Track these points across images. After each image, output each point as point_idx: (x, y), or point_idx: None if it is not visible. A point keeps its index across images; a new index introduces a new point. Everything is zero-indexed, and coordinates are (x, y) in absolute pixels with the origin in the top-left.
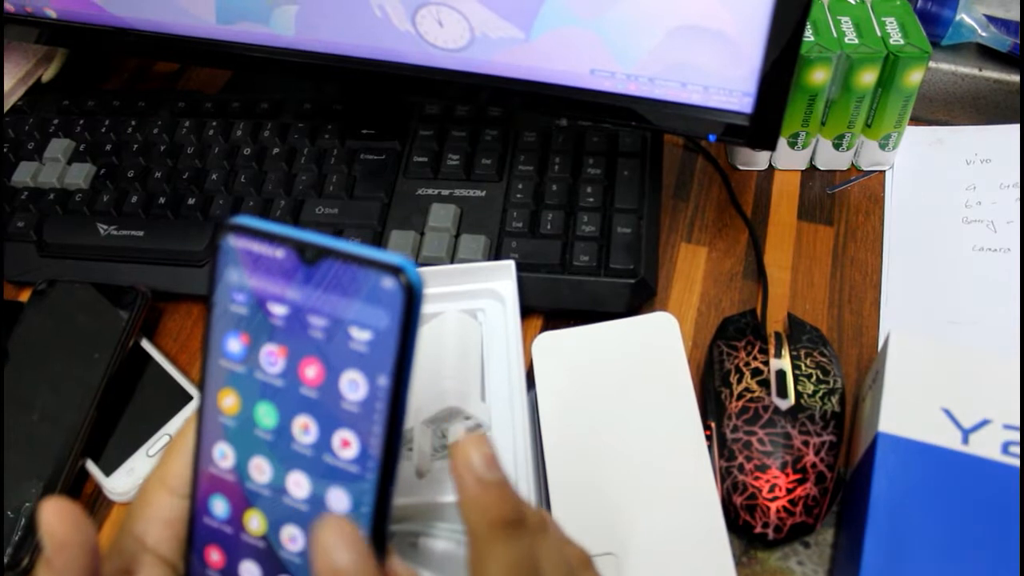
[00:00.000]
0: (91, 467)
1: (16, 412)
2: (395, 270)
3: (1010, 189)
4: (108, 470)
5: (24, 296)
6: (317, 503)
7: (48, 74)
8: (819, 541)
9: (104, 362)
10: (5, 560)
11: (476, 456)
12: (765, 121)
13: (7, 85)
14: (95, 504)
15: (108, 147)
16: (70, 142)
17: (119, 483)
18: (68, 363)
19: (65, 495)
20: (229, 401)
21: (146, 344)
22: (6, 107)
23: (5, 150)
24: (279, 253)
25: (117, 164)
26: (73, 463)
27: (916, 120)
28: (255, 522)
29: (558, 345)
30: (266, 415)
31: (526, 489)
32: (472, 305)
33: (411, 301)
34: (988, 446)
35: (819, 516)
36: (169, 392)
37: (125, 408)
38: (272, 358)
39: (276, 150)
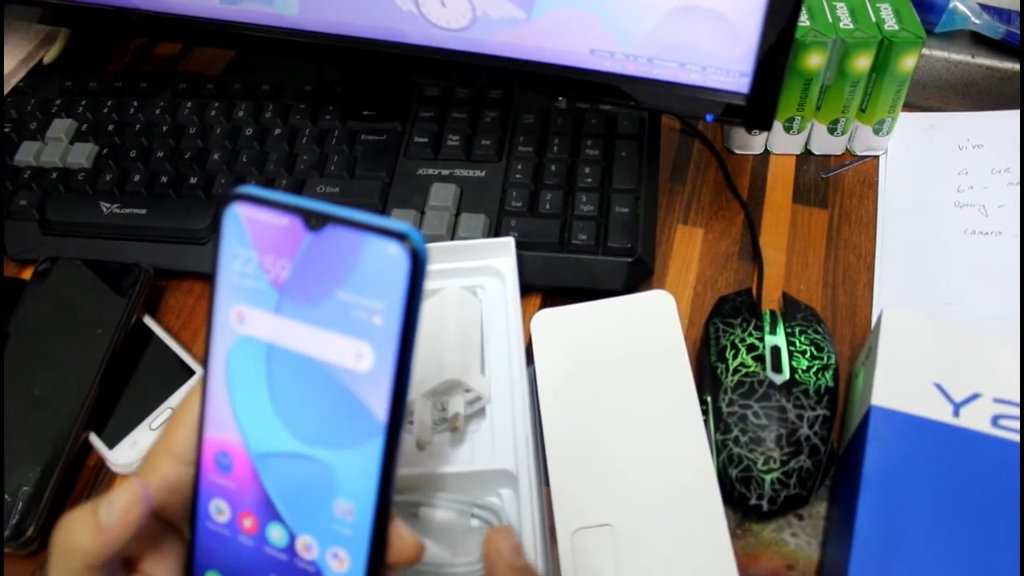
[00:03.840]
0: (94, 440)
1: (19, 389)
2: (400, 236)
3: (1001, 174)
4: (111, 443)
5: (26, 274)
6: (324, 468)
7: (50, 56)
8: (813, 513)
9: (107, 338)
10: (6, 534)
11: (505, 545)
12: (761, 101)
13: (9, 66)
14: (98, 476)
15: (110, 127)
16: (72, 122)
17: (122, 455)
18: (71, 340)
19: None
20: (236, 369)
21: (148, 320)
22: (8, 88)
23: (7, 130)
24: (284, 221)
25: (119, 144)
26: (76, 438)
27: (909, 106)
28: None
29: (556, 322)
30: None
31: (525, 461)
32: (472, 282)
33: (416, 267)
34: (979, 419)
35: (813, 488)
36: (172, 367)
37: (128, 383)
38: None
39: (278, 131)
